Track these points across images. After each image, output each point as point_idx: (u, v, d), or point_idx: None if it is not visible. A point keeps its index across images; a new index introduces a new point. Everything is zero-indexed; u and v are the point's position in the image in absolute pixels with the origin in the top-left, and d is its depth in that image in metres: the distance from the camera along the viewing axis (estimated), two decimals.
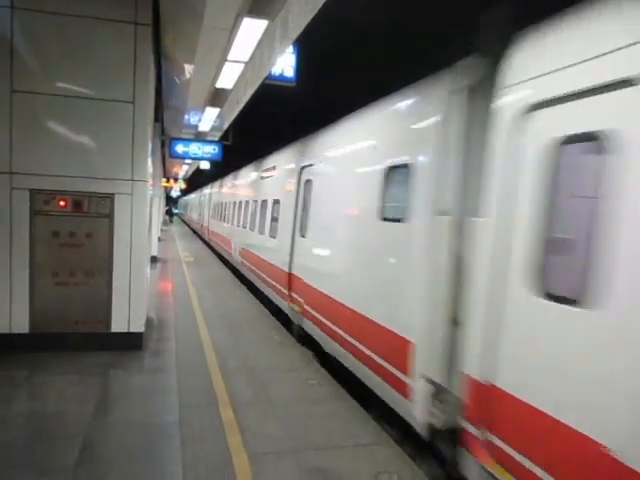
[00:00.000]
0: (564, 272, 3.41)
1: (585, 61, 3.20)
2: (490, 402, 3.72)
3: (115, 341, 7.11)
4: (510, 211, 3.68)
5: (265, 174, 13.13)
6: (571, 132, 3.24)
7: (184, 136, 15.77)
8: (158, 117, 13.43)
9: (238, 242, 16.10)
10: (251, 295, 12.82)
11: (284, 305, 9.81)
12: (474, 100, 4.44)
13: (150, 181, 8.78)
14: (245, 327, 9.26)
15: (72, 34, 6.75)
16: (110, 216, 7.08)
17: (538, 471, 3.20)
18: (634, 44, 2.85)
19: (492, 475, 3.68)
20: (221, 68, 7.82)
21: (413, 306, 4.93)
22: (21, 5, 6.57)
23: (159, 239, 21.84)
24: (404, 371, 4.99)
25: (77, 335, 7.00)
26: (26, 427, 5.07)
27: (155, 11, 7.23)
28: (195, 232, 38.11)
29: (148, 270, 9.54)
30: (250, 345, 8.07)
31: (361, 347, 6.03)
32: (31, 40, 6.68)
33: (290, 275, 9.33)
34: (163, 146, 17.42)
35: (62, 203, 6.95)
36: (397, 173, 5.57)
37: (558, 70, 3.41)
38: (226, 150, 14.70)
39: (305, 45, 9.61)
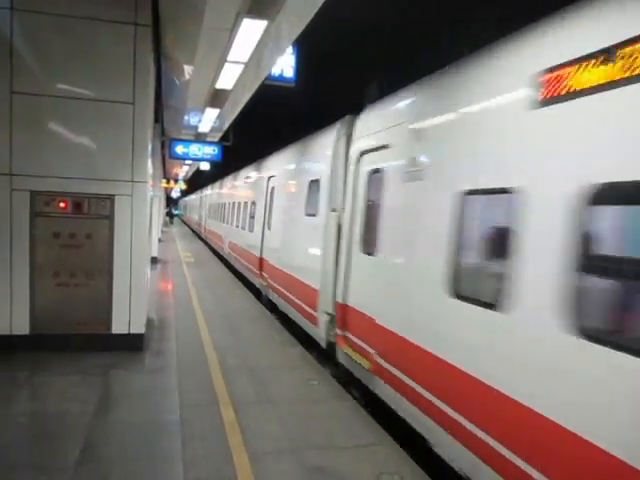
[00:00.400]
0: (372, 240, 6.14)
1: (375, 133, 6.38)
2: (345, 313, 6.77)
3: (116, 342, 7.11)
4: (354, 207, 6.82)
5: (244, 182, 16.79)
6: (373, 167, 6.37)
7: (184, 137, 15.76)
8: (158, 118, 13.44)
9: (226, 235, 19.63)
10: (250, 294, 12.84)
11: (257, 282, 12.98)
12: (349, 143, 7.31)
13: (150, 182, 8.79)
14: (245, 327, 9.27)
15: (72, 35, 6.76)
16: (110, 217, 7.09)
17: (364, 345, 6.05)
18: (389, 128, 5.94)
19: (347, 354, 6.56)
20: (221, 69, 7.82)
21: (318, 268, 7.76)
22: (21, 6, 6.58)
23: (159, 240, 21.84)
24: (314, 309, 7.90)
25: (78, 336, 7.00)
26: (27, 427, 5.07)
27: (155, 12, 7.23)
28: (194, 232, 39.55)
29: (148, 271, 9.55)
30: (250, 345, 8.08)
31: (295, 299, 9.15)
32: (31, 41, 6.69)
33: (261, 259, 12.45)
34: (163, 147, 17.42)
35: (62, 204, 6.95)
36: (313, 185, 8.58)
37: (369, 135, 6.58)
38: (226, 151, 14.71)
39: (305, 45, 9.61)
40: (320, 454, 4.65)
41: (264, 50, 7.09)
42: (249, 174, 16.02)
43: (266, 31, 6.12)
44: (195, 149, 14.34)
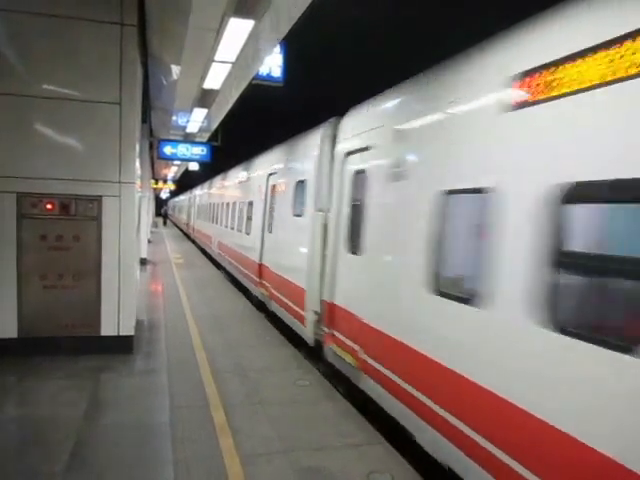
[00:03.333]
0: (356, 240, 6.30)
1: (358, 134, 6.58)
2: (331, 312, 6.94)
3: (105, 344, 7.05)
4: (340, 207, 6.99)
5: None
6: (357, 168, 6.53)
7: (172, 138, 15.69)
8: (146, 118, 13.36)
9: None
10: (240, 294, 12.82)
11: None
12: (334, 144, 7.45)
13: (138, 183, 8.74)
14: (235, 327, 9.25)
15: (57, 35, 6.70)
16: (98, 218, 7.03)
17: (348, 341, 6.29)
18: (372, 130, 6.12)
19: (333, 351, 6.76)
20: (208, 68, 7.79)
21: (305, 268, 7.94)
22: (4, 6, 6.50)
23: (149, 241, 21.73)
24: (302, 308, 8.02)
25: (67, 339, 6.94)
26: (16, 432, 5.04)
27: (141, 12, 7.19)
28: (182, 230, 41.03)
29: (137, 272, 9.49)
30: (241, 345, 8.05)
31: (283, 298, 9.38)
32: (15, 42, 6.61)
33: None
34: (151, 148, 17.33)
35: (49, 206, 6.88)
36: (300, 186, 8.68)
37: (353, 136, 6.77)
38: (216, 151, 14.66)
39: (293, 44, 9.61)
40: (311, 455, 4.65)
41: (251, 50, 7.07)
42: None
43: (253, 31, 6.10)
44: (183, 149, 14.29)
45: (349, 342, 6.29)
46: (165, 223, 51.52)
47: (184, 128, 14.25)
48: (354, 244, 6.39)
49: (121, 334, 7.17)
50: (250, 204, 13.24)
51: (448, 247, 4.45)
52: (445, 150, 4.62)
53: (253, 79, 9.11)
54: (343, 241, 6.76)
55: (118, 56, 6.89)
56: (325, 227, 7.35)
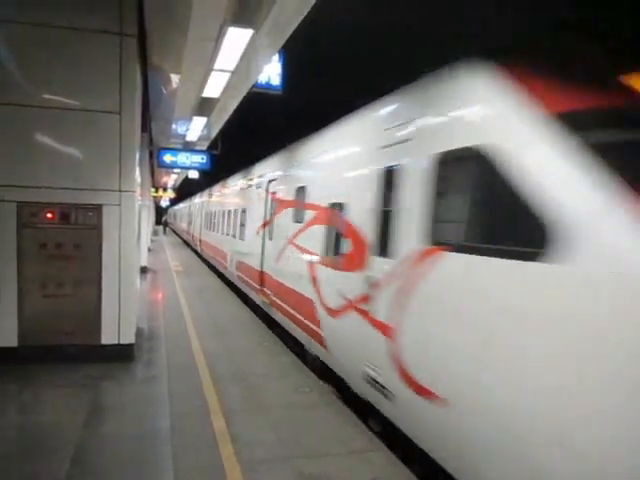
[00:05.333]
0: (270, 232, 10.38)
1: (275, 170, 10.98)
2: (262, 277, 10.71)
3: (106, 353, 7.06)
4: (265, 214, 11.03)
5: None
6: (272, 190, 10.81)
7: (172, 146, 15.74)
8: (146, 127, 13.41)
9: (200, 232, 24.76)
10: (239, 301, 12.83)
11: (219, 263, 17.62)
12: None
13: (138, 191, 8.77)
14: (235, 335, 9.24)
15: (57, 46, 6.75)
16: (98, 227, 7.06)
17: (266, 290, 10.33)
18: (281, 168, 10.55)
19: (262, 300, 10.67)
20: (207, 77, 7.84)
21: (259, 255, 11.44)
22: (4, 17, 6.57)
23: (149, 249, 21.73)
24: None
25: (67, 347, 6.95)
26: (17, 440, 5.03)
27: (140, 22, 7.25)
28: (180, 237, 42.22)
29: (137, 281, 9.50)
30: (241, 353, 8.06)
31: (243, 276, 13.05)
32: (15, 52, 6.66)
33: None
34: (151, 156, 17.38)
35: (49, 215, 6.91)
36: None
37: (273, 171, 11.09)
38: (215, 159, 14.70)
39: (291, 53, 9.66)
40: (312, 461, 4.65)
41: (250, 58, 7.12)
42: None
43: (252, 40, 6.15)
44: (183, 158, 14.33)
45: (266, 291, 10.37)
46: (165, 231, 52.61)
47: (184, 136, 14.30)
48: (269, 234, 10.48)
49: (121, 342, 7.18)
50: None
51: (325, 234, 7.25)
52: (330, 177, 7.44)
53: (252, 87, 9.16)
54: (267, 233, 10.69)
55: (118, 66, 6.94)
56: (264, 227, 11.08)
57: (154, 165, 19.01)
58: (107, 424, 5.31)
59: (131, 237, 7.33)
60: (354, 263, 5.91)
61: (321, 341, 7.00)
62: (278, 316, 9.54)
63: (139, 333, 8.19)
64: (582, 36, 4.51)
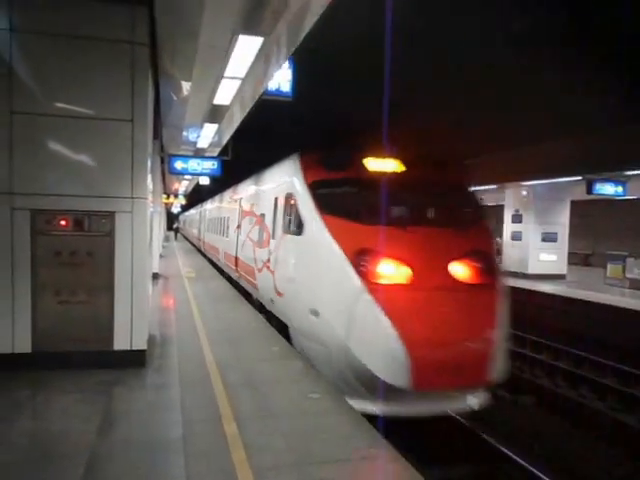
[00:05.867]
0: (243, 231, 15.33)
1: (236, 195, 18.04)
2: (236, 260, 15.80)
3: (118, 359, 7.10)
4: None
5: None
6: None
7: (183, 153, 15.85)
8: (157, 134, 13.53)
9: (203, 234, 30.27)
10: (251, 307, 12.86)
11: (222, 263, 20.78)
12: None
13: (150, 198, 8.84)
14: (246, 341, 9.25)
15: (70, 55, 6.84)
16: (111, 234, 7.12)
17: (231, 265, 17.12)
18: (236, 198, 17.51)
19: (237, 276, 16.17)
20: (218, 85, 7.89)
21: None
22: (20, 28, 6.67)
23: (160, 255, 21.86)
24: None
25: (80, 354, 7.00)
26: (29, 447, 5.07)
27: (152, 31, 7.32)
28: (191, 242, 44.41)
29: (150, 287, 9.56)
30: (252, 359, 8.06)
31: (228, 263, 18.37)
32: (30, 62, 6.76)
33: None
34: (162, 163, 17.52)
35: (63, 222, 6.98)
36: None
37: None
38: (226, 165, 14.78)
39: (302, 59, 9.70)
40: (323, 468, 4.63)
41: (261, 65, 7.16)
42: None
43: (262, 47, 6.19)
44: (194, 164, 14.40)
45: (237, 268, 15.17)
46: (176, 237, 53.17)
47: (195, 143, 14.39)
48: (240, 232, 15.07)
49: (134, 348, 7.22)
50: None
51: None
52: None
53: (263, 94, 9.21)
54: (239, 232, 15.19)
55: (130, 74, 7.02)
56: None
57: (165, 172, 19.16)
58: (120, 431, 5.33)
59: (143, 244, 7.37)
60: (265, 243, 11.27)
61: (256, 287, 12.29)
62: (242, 282, 14.81)
63: (151, 339, 8.22)
64: (345, 145, 9.50)
